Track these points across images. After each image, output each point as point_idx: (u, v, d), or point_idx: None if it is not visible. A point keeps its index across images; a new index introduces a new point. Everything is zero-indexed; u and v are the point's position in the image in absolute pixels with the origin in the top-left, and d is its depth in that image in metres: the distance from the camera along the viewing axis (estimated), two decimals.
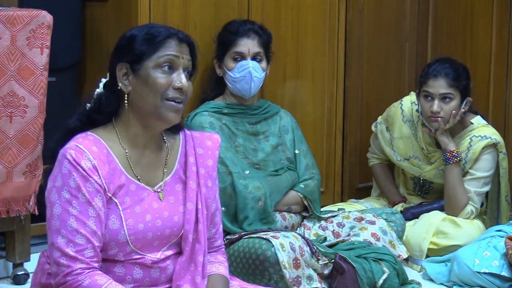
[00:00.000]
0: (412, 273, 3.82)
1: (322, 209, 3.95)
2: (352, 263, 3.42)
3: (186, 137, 2.55)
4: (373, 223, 3.76)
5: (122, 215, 2.37)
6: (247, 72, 3.72)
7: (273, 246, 3.33)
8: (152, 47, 2.38)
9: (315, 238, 3.72)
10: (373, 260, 3.48)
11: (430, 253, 3.96)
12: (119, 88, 2.40)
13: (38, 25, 3.32)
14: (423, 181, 4.30)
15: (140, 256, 2.41)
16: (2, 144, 3.31)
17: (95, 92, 2.48)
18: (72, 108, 2.52)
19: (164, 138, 2.51)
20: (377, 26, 4.62)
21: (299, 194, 3.82)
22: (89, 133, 2.40)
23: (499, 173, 4.16)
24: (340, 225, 3.82)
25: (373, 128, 4.42)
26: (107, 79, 2.46)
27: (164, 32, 2.40)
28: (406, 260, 3.89)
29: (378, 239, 3.69)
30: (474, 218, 4.11)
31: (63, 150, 2.33)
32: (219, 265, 2.57)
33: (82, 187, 2.30)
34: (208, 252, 2.55)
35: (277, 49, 3.98)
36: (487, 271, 3.56)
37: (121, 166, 2.40)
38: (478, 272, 3.57)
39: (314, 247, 3.44)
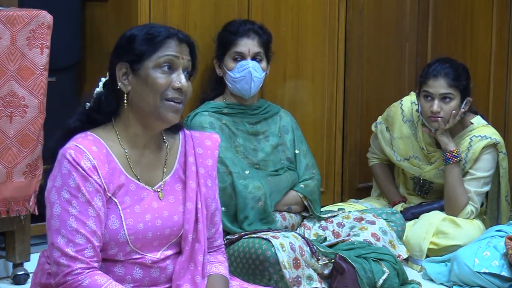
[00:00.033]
0: (412, 273, 3.82)
1: (322, 209, 3.95)
2: (352, 263, 3.42)
3: (186, 136, 2.55)
4: (373, 223, 3.76)
5: (121, 214, 2.37)
6: (247, 72, 3.72)
7: (273, 246, 3.33)
8: (152, 47, 2.38)
9: (315, 238, 3.72)
10: (373, 260, 3.48)
11: (430, 253, 3.96)
12: (118, 87, 2.40)
13: (38, 25, 3.32)
14: (423, 181, 4.30)
15: (140, 256, 2.41)
16: (2, 144, 3.31)
17: (95, 91, 2.48)
18: (72, 108, 2.52)
19: (164, 138, 2.51)
20: (377, 26, 4.62)
21: (299, 194, 3.82)
22: (88, 133, 2.40)
23: (499, 173, 4.16)
24: (340, 225, 3.82)
25: (373, 128, 4.42)
26: (106, 79, 2.46)
27: (164, 32, 2.41)
28: (406, 260, 3.89)
29: (378, 239, 3.69)
30: (474, 218, 4.10)
31: (62, 150, 2.34)
32: (219, 265, 2.57)
33: (81, 187, 2.30)
34: (208, 252, 2.55)
35: (277, 49, 3.98)
36: (487, 271, 3.56)
37: (121, 166, 2.40)
38: (478, 272, 3.57)
39: (314, 247, 3.44)
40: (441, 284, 3.73)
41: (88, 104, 2.47)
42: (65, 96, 3.76)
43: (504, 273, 3.55)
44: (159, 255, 2.44)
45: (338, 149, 4.50)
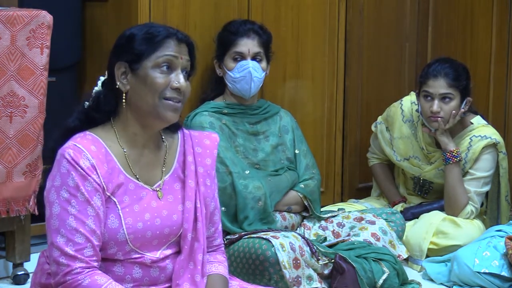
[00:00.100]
0: (412, 273, 3.82)
1: (322, 209, 3.95)
2: (352, 263, 3.42)
3: (185, 136, 2.56)
4: (373, 223, 3.76)
5: (121, 214, 2.37)
6: (247, 72, 3.72)
7: (273, 246, 3.33)
8: (151, 47, 2.38)
9: (315, 238, 3.72)
10: (373, 260, 3.48)
11: (430, 253, 3.96)
12: (117, 87, 2.40)
13: (38, 25, 3.32)
14: (423, 181, 4.30)
15: (139, 255, 2.41)
16: (2, 144, 3.31)
17: (93, 90, 2.48)
18: (72, 108, 2.52)
19: (163, 137, 2.52)
20: (377, 26, 4.62)
21: (299, 194, 3.82)
22: (87, 132, 2.41)
23: (499, 173, 4.16)
24: (340, 225, 3.82)
25: (373, 128, 4.42)
26: (105, 77, 2.46)
27: (164, 32, 2.41)
28: (406, 260, 3.89)
29: (378, 239, 3.69)
30: (474, 218, 4.10)
31: (61, 150, 2.34)
32: (218, 265, 2.57)
33: (80, 186, 2.30)
34: (208, 252, 2.55)
35: (277, 49, 3.99)
36: (487, 271, 3.56)
37: (120, 165, 2.40)
38: (478, 272, 3.56)
39: (314, 247, 3.44)
40: (441, 284, 3.73)
41: (87, 103, 2.47)
42: (65, 96, 3.76)
43: (504, 273, 3.55)
44: (158, 254, 2.44)
45: (338, 149, 4.50)
